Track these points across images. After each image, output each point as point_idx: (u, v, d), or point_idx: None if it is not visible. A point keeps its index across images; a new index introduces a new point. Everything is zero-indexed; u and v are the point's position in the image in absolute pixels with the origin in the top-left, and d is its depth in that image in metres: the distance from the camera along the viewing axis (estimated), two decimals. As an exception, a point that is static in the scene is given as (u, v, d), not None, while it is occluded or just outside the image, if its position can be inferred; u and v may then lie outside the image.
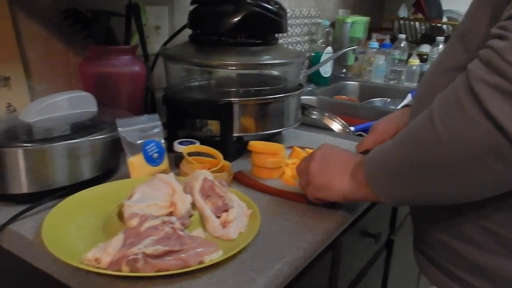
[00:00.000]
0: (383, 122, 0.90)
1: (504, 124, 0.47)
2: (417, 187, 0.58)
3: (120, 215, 0.66)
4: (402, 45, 2.06)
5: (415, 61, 2.00)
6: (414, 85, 1.98)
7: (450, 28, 2.32)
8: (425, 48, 2.30)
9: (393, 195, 0.62)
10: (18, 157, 0.71)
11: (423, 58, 2.18)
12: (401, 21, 2.41)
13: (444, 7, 2.30)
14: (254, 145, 0.87)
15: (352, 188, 0.68)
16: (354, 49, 2.00)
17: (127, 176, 0.82)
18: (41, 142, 0.73)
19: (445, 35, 2.24)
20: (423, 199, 0.61)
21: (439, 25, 2.32)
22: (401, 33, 2.29)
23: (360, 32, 2.08)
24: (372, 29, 2.29)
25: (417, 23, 2.40)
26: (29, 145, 0.71)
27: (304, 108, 1.30)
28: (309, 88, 1.81)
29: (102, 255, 0.56)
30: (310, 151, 0.95)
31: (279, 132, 1.09)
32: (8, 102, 0.87)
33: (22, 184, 0.72)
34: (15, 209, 0.70)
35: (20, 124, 0.80)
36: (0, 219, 0.69)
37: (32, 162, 0.72)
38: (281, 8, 1.00)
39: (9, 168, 0.71)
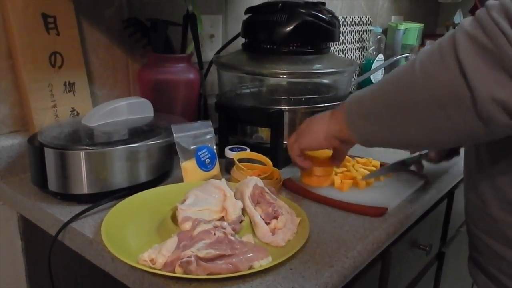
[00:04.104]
0: None
1: (469, 73, 0.49)
2: (387, 125, 0.60)
3: (174, 218, 0.68)
4: (457, 52, 2.00)
5: (470, 69, 1.94)
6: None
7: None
8: (482, 55, 2.22)
9: (364, 133, 0.65)
10: (81, 159, 0.75)
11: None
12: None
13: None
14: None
15: (331, 126, 0.72)
16: (406, 57, 1.96)
17: (180, 180, 0.85)
18: (102, 145, 0.77)
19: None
20: (390, 139, 0.62)
21: (497, 31, 2.23)
22: (456, 39, 2.22)
23: (413, 39, 2.04)
24: (426, 35, 2.24)
25: (473, 30, 2.32)
26: (91, 148, 0.76)
27: (355, 116, 1.29)
28: (360, 95, 1.79)
29: (157, 256, 0.59)
30: (360, 159, 0.95)
31: (329, 140, 1.09)
32: (72, 106, 0.93)
33: (83, 185, 0.76)
34: (77, 209, 0.75)
35: (82, 128, 0.84)
36: (63, 217, 0.73)
37: (93, 164, 0.76)
38: (334, 17, 1.00)
39: (72, 169, 0.75)
